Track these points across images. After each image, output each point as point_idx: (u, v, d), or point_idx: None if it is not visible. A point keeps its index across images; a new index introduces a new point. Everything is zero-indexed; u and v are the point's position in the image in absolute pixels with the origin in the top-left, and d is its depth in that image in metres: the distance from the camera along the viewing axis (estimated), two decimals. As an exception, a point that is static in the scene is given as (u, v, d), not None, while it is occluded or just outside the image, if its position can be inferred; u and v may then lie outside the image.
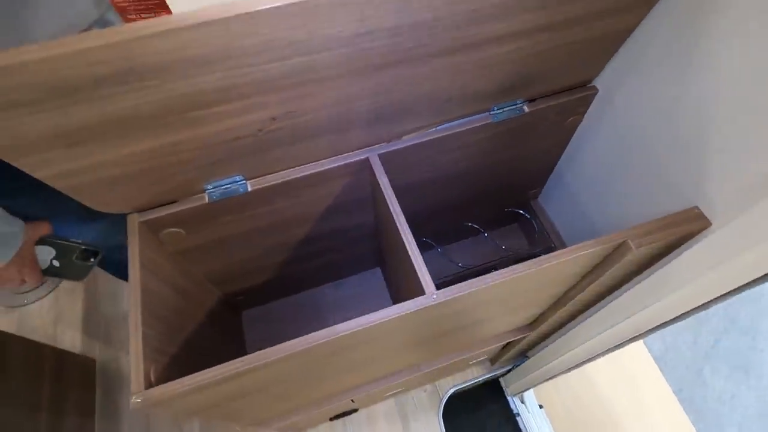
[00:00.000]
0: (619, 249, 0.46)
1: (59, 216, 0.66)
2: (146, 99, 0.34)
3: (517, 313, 0.64)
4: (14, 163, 0.36)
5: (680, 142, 0.49)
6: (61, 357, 1.03)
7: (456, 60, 0.44)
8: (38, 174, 0.38)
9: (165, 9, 0.50)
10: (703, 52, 0.43)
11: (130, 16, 0.52)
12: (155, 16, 0.52)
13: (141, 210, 0.51)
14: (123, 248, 0.72)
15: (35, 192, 0.56)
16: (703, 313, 1.53)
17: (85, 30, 0.50)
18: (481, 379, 1.07)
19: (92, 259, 0.64)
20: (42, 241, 0.62)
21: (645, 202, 0.58)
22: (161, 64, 0.31)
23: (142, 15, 0.52)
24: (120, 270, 0.85)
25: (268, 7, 0.30)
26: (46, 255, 0.63)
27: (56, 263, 0.64)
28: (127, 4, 0.50)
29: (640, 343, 1.22)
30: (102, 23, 0.53)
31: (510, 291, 0.49)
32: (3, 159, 0.35)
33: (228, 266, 0.69)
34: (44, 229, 0.63)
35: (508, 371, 1.06)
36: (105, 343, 1.17)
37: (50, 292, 1.25)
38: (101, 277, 1.23)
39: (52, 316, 1.21)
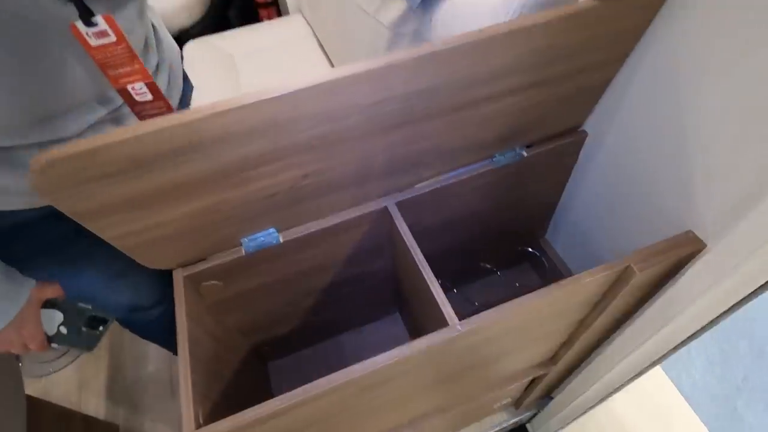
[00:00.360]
0: (624, 274, 0.50)
1: (83, 277, 0.64)
2: (202, 166, 0.41)
3: (536, 346, 0.66)
4: (87, 225, 0.42)
5: (668, 173, 0.55)
6: (87, 423, 1.04)
7: (457, 117, 0.51)
8: (105, 234, 0.44)
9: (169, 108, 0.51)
10: (679, 91, 0.49)
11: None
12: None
13: (184, 265, 0.56)
14: (147, 308, 0.76)
15: (56, 251, 0.58)
16: (729, 347, 1.50)
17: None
18: (506, 425, 1.05)
19: (101, 328, 0.61)
20: (50, 305, 0.58)
21: (645, 230, 0.63)
22: (219, 137, 0.38)
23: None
24: (145, 330, 0.88)
25: (306, 86, 0.37)
26: (53, 320, 0.59)
27: (63, 330, 0.59)
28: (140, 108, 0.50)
29: (668, 381, 1.20)
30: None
31: (527, 320, 0.53)
32: (77, 221, 0.41)
33: (256, 316, 0.73)
34: (52, 291, 0.58)
35: (534, 415, 1.05)
36: (129, 409, 1.18)
37: (75, 359, 1.27)
38: (127, 337, 1.27)
39: (76, 383, 1.23)
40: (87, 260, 0.62)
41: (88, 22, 0.39)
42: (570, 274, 0.86)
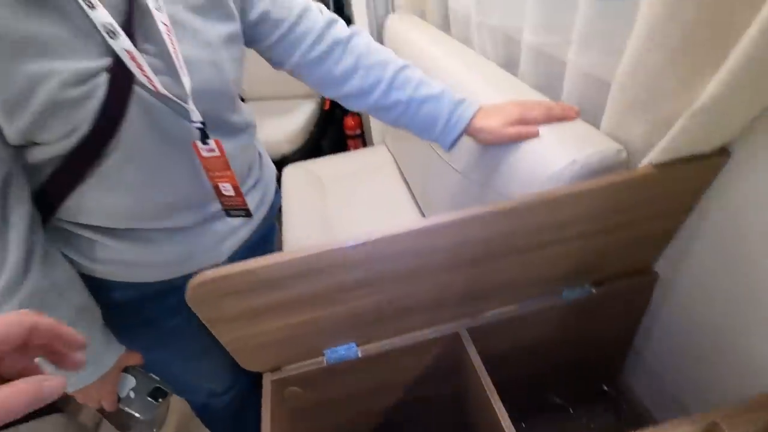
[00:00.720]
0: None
1: (169, 355, 0.72)
2: (310, 287, 0.49)
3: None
4: (212, 329, 0.51)
5: (753, 324, 0.54)
6: None
7: (527, 257, 0.57)
8: (222, 338, 0.53)
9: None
10: (753, 240, 0.50)
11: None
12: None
13: (272, 370, 0.63)
14: (220, 394, 0.82)
15: (153, 327, 0.67)
16: None
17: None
18: None
19: (160, 399, 0.67)
20: (126, 370, 0.65)
21: (734, 381, 0.59)
22: (328, 267, 0.47)
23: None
24: (213, 419, 0.93)
25: (400, 233, 0.46)
26: (127, 384, 0.65)
27: (132, 394, 0.65)
28: (224, 199, 0.60)
29: None
30: None
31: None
32: (207, 325, 0.51)
33: (328, 427, 0.76)
34: (135, 359, 0.65)
35: None
36: None
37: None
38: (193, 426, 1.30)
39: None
40: (176, 340, 0.71)
41: (205, 142, 0.52)
42: (650, 418, 0.79)
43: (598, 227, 0.56)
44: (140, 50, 0.45)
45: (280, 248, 0.99)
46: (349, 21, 1.85)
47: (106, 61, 0.44)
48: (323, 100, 1.95)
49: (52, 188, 0.49)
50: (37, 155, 0.46)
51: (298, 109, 1.88)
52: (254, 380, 0.91)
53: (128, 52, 0.44)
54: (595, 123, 0.61)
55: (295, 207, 1.41)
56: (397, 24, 1.34)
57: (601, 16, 0.57)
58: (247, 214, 0.61)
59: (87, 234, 0.54)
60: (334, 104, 2.01)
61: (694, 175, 0.51)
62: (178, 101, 0.48)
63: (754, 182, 0.48)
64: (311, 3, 0.65)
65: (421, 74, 0.66)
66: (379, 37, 1.46)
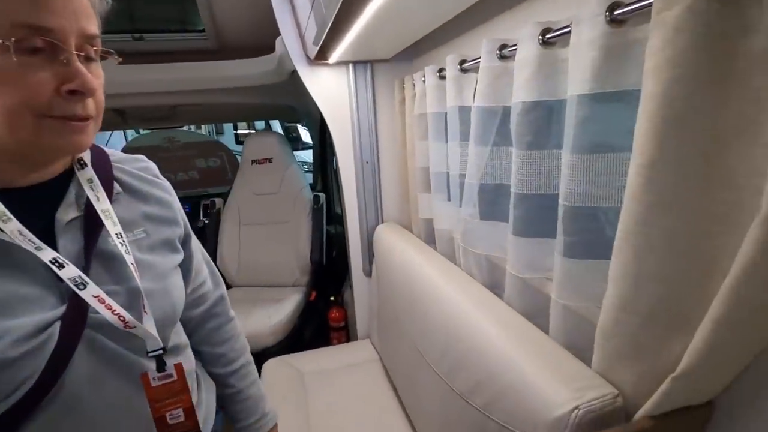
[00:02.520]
0: None
1: None
2: None
3: None
4: None
5: None
6: None
7: None
8: None
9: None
10: None
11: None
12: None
13: None
14: None
15: None
16: None
17: None
18: None
19: None
20: None
21: None
22: None
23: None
24: None
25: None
26: None
27: None
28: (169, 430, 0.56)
29: None
30: None
31: None
32: None
33: None
34: None
35: None
36: None
37: None
38: None
39: None
40: None
41: (162, 369, 0.52)
42: None
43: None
44: (107, 292, 0.49)
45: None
46: (336, 220, 2.06)
47: (61, 310, 0.46)
48: (309, 290, 2.02)
49: None
50: None
51: (286, 298, 1.92)
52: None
53: (97, 297, 0.47)
54: (583, 356, 0.66)
55: (274, 403, 1.31)
56: (386, 233, 1.52)
57: (572, 273, 0.68)
58: None
59: None
60: (319, 295, 2.07)
61: (683, 427, 0.54)
62: (142, 333, 0.50)
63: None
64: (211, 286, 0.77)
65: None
66: (369, 243, 1.62)
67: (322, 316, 1.99)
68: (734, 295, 0.40)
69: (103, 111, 0.51)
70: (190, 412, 0.56)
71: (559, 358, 0.67)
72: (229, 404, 0.78)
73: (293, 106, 2.30)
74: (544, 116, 0.73)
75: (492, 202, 0.95)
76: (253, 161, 2.17)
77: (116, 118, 2.19)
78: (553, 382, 0.61)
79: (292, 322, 1.85)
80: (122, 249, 0.51)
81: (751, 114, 0.42)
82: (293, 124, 4.16)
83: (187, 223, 0.68)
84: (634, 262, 0.52)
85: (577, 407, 0.55)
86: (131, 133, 3.53)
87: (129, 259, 0.52)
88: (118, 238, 0.52)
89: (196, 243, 0.72)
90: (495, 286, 0.98)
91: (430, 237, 1.35)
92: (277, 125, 3.90)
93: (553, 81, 0.71)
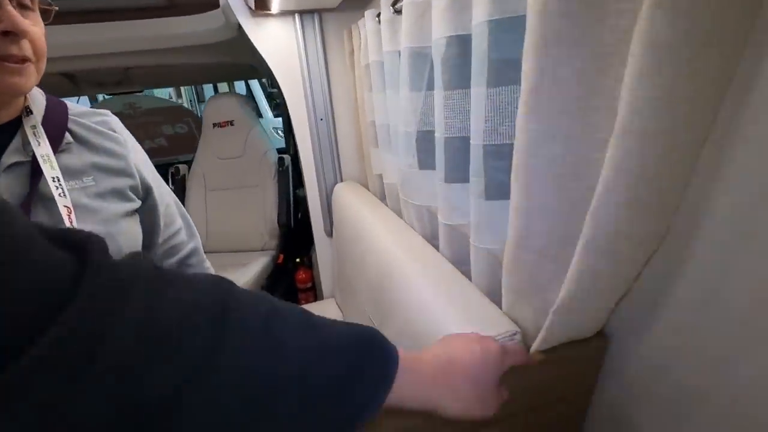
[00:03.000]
0: None
1: None
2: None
3: None
4: None
5: None
6: None
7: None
8: None
9: None
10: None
11: None
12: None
13: None
14: None
15: None
16: None
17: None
18: None
19: None
20: None
21: None
22: None
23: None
24: None
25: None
26: None
27: None
28: None
29: None
30: None
31: None
32: None
33: None
34: None
35: None
36: None
37: None
38: None
39: None
40: None
41: None
42: None
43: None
44: None
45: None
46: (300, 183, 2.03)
47: None
48: (277, 254, 2.01)
49: None
50: None
51: (252, 262, 1.92)
52: None
53: None
54: (499, 300, 0.66)
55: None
56: (344, 191, 1.49)
57: (485, 212, 0.66)
58: None
59: None
60: (287, 258, 2.07)
61: (578, 357, 0.54)
62: None
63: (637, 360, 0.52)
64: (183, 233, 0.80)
65: None
66: (329, 202, 1.60)
67: (291, 279, 1.99)
68: (593, 220, 0.38)
69: (45, 59, 0.55)
70: None
71: (474, 302, 0.67)
72: None
73: (252, 64, 2.20)
74: (461, 52, 0.69)
75: (429, 150, 0.92)
76: (214, 125, 2.11)
77: (67, 83, 2.09)
78: (461, 324, 0.61)
79: (259, 285, 1.85)
80: (56, 192, 0.54)
81: (628, 29, 0.39)
82: (276, 89, 4.01)
83: (151, 177, 0.71)
84: (524, 196, 0.50)
85: (473, 345, 0.55)
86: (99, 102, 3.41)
87: (61, 202, 0.54)
88: (54, 182, 0.55)
89: (165, 196, 0.75)
90: (434, 237, 0.96)
91: (383, 193, 1.33)
92: (257, 88, 3.76)
93: (469, 12, 0.67)
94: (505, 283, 0.60)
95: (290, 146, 2.59)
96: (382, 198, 1.33)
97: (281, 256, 2.00)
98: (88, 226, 0.55)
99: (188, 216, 0.84)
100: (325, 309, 1.64)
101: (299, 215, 2.05)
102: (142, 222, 0.70)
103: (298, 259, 1.96)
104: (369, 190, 1.46)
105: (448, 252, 0.86)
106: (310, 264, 1.97)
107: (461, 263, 0.81)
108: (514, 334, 0.56)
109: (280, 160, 2.06)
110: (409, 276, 0.79)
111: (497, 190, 0.65)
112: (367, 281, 1.04)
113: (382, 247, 0.97)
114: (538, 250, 0.51)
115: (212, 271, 0.87)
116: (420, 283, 0.75)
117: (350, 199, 1.39)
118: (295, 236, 2.04)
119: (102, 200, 0.61)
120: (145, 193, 0.70)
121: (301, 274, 1.91)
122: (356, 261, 1.18)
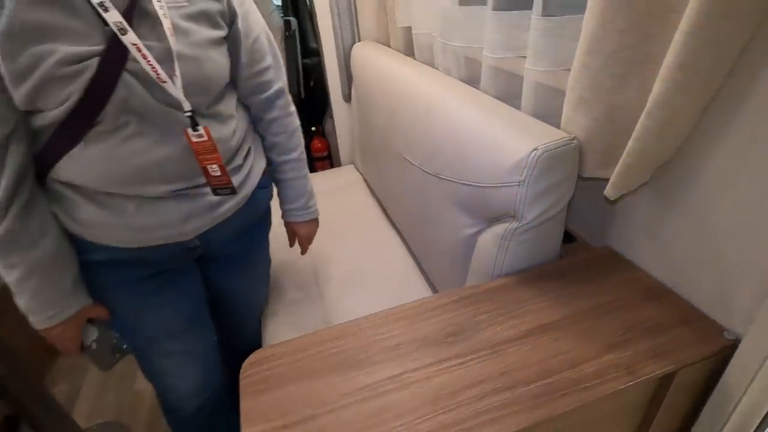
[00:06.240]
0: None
1: (138, 321, 0.75)
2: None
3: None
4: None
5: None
6: None
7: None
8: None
9: None
10: None
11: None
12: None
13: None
14: (180, 397, 0.85)
15: (131, 292, 0.73)
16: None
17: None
18: None
19: (117, 355, 0.76)
20: (92, 322, 0.72)
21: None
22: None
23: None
24: (174, 422, 0.93)
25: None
26: (90, 335, 0.72)
27: (94, 345, 0.73)
28: (211, 179, 0.69)
29: None
30: None
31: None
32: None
33: None
34: (100, 312, 0.71)
35: None
36: None
37: None
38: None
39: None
40: (150, 310, 0.76)
41: (195, 129, 0.62)
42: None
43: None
44: (145, 45, 0.56)
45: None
46: (312, 53, 1.94)
47: (98, 49, 0.54)
48: (291, 125, 2.01)
49: (49, 149, 0.57)
50: (38, 121, 0.55)
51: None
52: (227, 390, 0.91)
53: (135, 45, 0.55)
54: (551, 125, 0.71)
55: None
56: (363, 51, 1.45)
57: (549, 33, 0.68)
58: (233, 191, 0.71)
59: (69, 194, 0.62)
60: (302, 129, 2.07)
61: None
62: (172, 91, 0.58)
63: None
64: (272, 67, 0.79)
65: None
66: (347, 64, 1.56)
67: (306, 149, 2.02)
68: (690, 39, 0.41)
69: None
70: (224, 170, 0.67)
71: (528, 122, 0.72)
72: (278, 188, 0.92)
73: None
74: None
75: (472, -16, 0.89)
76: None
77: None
78: (518, 138, 0.66)
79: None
80: (161, 12, 0.56)
81: None
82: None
83: (238, 3, 0.69)
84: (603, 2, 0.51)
85: (535, 148, 0.61)
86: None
87: (166, 23, 0.57)
88: (158, 1, 0.57)
89: (252, 27, 0.73)
90: (472, 81, 0.98)
91: (409, 48, 1.30)
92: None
93: None
94: (567, 100, 0.64)
95: (287, 8, 2.39)
96: (408, 53, 1.30)
97: (296, 127, 2.00)
98: (179, 47, 0.58)
99: (279, 56, 0.82)
100: (345, 175, 1.70)
101: (311, 83, 2.00)
102: (228, 52, 0.70)
103: (314, 128, 1.97)
104: (391, 47, 1.42)
105: (491, 90, 0.89)
106: (323, 133, 1.98)
107: (506, 100, 0.85)
108: (573, 139, 0.63)
109: (287, 23, 1.93)
110: (456, 108, 0.82)
111: (560, 5, 0.65)
112: (403, 129, 1.06)
113: (420, 90, 0.98)
114: (608, 52, 0.55)
115: (296, 116, 0.88)
116: (469, 111, 0.79)
117: (372, 57, 1.35)
118: (307, 106, 2.02)
119: (194, 22, 0.62)
120: (231, 20, 0.69)
121: (317, 144, 1.93)
122: (386, 116, 1.20)
